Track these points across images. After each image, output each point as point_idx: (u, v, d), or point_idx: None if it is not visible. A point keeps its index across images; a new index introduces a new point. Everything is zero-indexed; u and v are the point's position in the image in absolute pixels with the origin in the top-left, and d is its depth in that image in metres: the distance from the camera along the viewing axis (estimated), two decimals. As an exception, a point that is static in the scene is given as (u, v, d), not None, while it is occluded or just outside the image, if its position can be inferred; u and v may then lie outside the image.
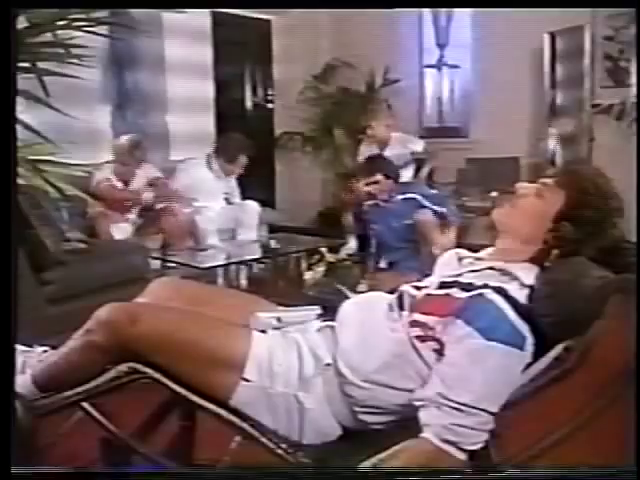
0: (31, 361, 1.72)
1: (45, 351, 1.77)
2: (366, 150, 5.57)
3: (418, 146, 5.46)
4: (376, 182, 3.91)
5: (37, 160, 1.23)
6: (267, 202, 6.25)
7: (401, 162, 5.38)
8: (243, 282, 4.59)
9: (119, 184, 4.63)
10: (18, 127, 1.31)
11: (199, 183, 4.85)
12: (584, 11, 5.02)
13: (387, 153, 5.35)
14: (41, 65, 1.26)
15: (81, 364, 1.57)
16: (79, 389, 1.56)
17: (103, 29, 2.09)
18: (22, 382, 1.61)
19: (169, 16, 4.91)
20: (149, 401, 1.75)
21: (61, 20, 1.13)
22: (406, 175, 5.47)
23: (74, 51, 1.42)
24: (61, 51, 1.33)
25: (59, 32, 1.18)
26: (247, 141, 5.00)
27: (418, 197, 3.84)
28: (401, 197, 3.89)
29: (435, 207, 3.78)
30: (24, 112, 1.42)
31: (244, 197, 5.19)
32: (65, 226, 3.55)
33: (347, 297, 1.69)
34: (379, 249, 3.99)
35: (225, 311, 1.68)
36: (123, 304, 1.58)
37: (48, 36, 1.16)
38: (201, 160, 4.94)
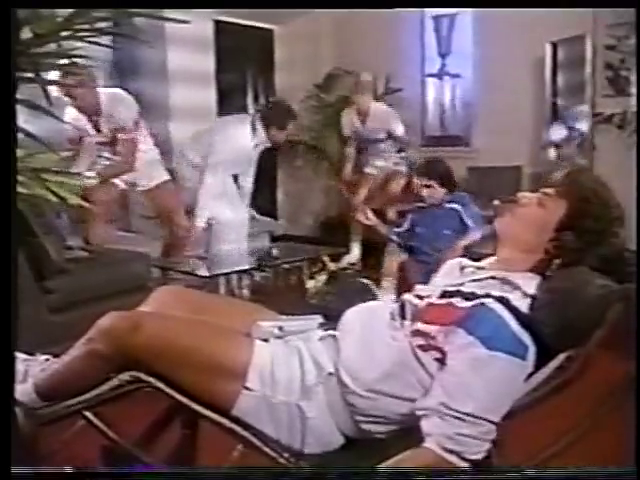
0: (33, 370, 1.72)
1: (47, 359, 1.77)
2: (347, 120, 5.58)
3: (398, 129, 5.41)
4: (429, 186, 3.91)
5: (40, 169, 1.24)
6: (269, 211, 6.27)
7: (378, 136, 5.43)
8: (245, 291, 4.58)
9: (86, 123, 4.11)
10: (21, 136, 1.32)
11: (237, 155, 4.51)
12: (585, 20, 5.04)
13: (366, 126, 5.42)
14: (45, 75, 1.27)
15: (83, 372, 1.58)
16: (81, 398, 1.56)
17: (106, 39, 2.09)
18: (24, 390, 1.61)
19: (172, 25, 4.92)
20: (151, 409, 1.75)
21: (65, 31, 1.15)
22: (383, 149, 5.52)
23: (78, 61, 1.43)
24: (65, 61, 1.34)
25: (63, 43, 1.19)
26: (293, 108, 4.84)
27: (459, 209, 3.87)
28: (446, 205, 3.91)
29: (470, 221, 3.81)
30: (28, 121, 1.43)
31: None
32: (67, 234, 3.56)
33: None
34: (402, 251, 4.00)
35: (227, 320, 1.68)
36: (125, 312, 1.59)
37: (52, 47, 1.18)
38: (243, 122, 4.60)
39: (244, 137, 4.54)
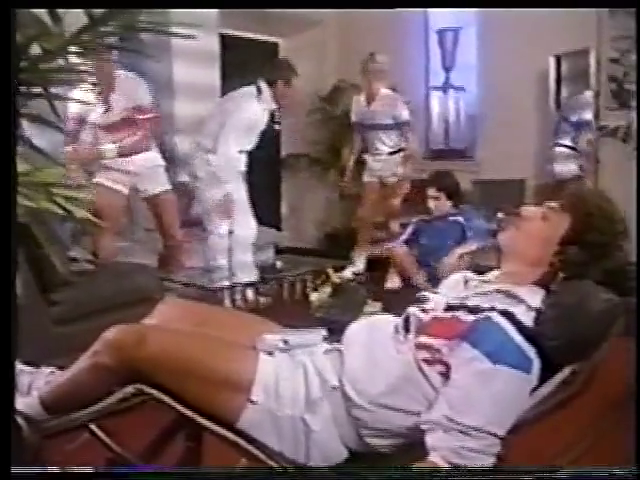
0: (38, 382, 1.73)
1: (52, 372, 1.78)
2: (355, 105, 5.47)
3: (403, 114, 5.24)
4: (437, 198, 3.91)
5: (47, 183, 1.25)
6: (273, 223, 6.28)
7: (383, 121, 5.26)
8: (249, 303, 4.57)
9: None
10: (28, 150, 1.33)
11: (253, 122, 4.51)
12: (589, 34, 5.07)
13: (372, 108, 5.29)
14: (53, 90, 1.29)
15: (88, 385, 1.58)
16: (86, 410, 1.56)
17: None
18: (29, 403, 1.61)
19: (178, 39, 4.94)
20: (155, 422, 1.75)
21: (73, 46, 1.16)
22: (386, 142, 5.34)
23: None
24: (74, 77, 1.36)
25: (71, 58, 1.21)
26: None
27: (462, 221, 3.88)
28: (450, 218, 3.92)
29: (471, 234, 3.83)
30: (35, 135, 1.45)
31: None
32: (73, 246, 3.57)
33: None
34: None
35: (232, 333, 1.68)
36: (130, 325, 1.59)
37: (60, 62, 1.19)
38: (248, 91, 4.58)
39: (257, 110, 4.54)
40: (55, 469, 1.33)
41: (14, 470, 1.12)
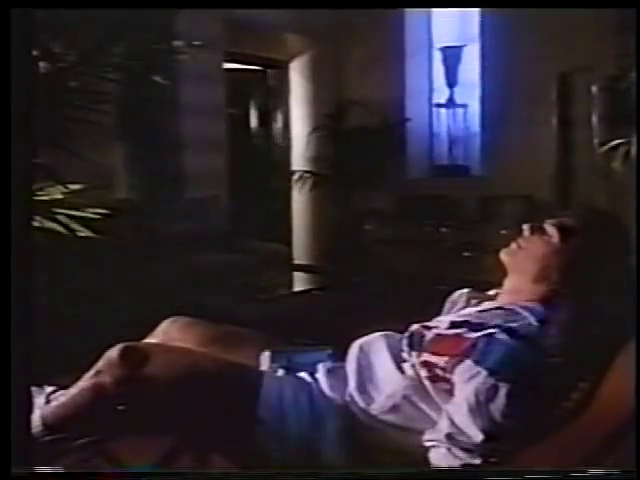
0: (39, 401, 1.72)
1: (54, 390, 1.77)
2: None
3: None
4: None
5: (50, 202, 1.26)
6: (281, 239, 6.28)
7: None
8: (254, 321, 4.56)
9: None
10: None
11: None
12: (591, 52, 5.09)
13: None
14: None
15: (91, 405, 1.57)
16: (89, 430, 1.55)
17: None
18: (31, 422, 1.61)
19: (183, 57, 4.95)
20: (160, 443, 1.74)
21: (82, 66, 1.17)
22: None
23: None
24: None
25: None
26: None
27: None
28: None
29: None
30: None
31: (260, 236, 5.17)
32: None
33: None
34: None
35: (236, 351, 1.68)
36: (133, 344, 1.59)
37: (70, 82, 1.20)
38: None
39: None
40: (55, 469, 1.31)
41: (14, 470, 1.12)
